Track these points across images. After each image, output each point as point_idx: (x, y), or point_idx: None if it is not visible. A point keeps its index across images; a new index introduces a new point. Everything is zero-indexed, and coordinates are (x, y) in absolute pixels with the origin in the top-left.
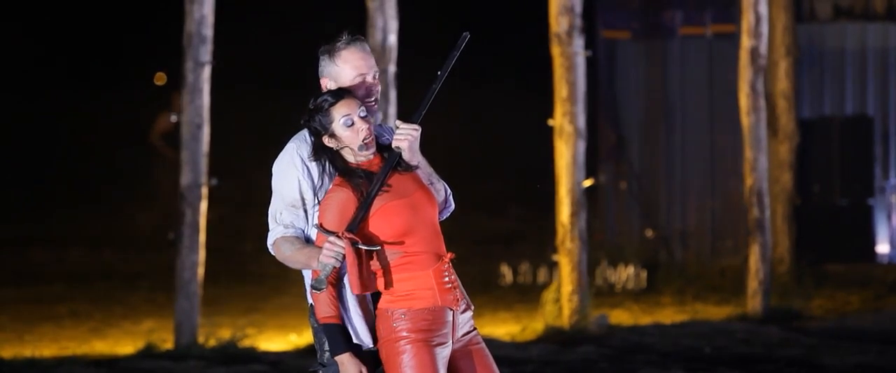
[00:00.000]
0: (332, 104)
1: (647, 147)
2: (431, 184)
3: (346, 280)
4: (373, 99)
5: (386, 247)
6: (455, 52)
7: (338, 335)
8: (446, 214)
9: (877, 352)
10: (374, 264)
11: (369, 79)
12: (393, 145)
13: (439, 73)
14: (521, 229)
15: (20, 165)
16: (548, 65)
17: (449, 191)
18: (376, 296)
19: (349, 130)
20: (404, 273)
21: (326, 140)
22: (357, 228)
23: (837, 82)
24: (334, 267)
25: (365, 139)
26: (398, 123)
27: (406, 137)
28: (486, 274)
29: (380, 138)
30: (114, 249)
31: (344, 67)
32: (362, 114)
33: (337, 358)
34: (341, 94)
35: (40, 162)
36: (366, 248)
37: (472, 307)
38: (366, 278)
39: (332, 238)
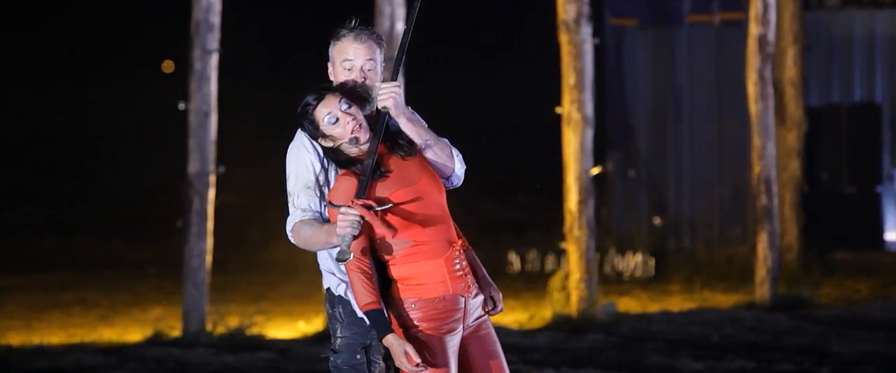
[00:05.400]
0: (314, 107)
1: (654, 135)
2: (429, 145)
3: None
4: (363, 91)
5: (396, 237)
6: (417, 3)
7: (381, 319)
8: (461, 171)
9: (885, 339)
10: (389, 243)
11: (356, 69)
12: (379, 107)
13: (405, 26)
14: (529, 217)
15: (28, 153)
16: (556, 52)
17: (455, 150)
18: (387, 284)
19: (336, 127)
20: (415, 263)
21: (322, 140)
22: (364, 194)
23: (845, 70)
24: (353, 236)
25: (352, 132)
26: (378, 83)
27: (389, 95)
28: (494, 262)
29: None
30: (122, 236)
31: (338, 54)
32: (344, 107)
33: (384, 340)
34: (321, 93)
35: (48, 150)
36: (379, 208)
37: (499, 292)
38: (391, 230)
39: (343, 209)
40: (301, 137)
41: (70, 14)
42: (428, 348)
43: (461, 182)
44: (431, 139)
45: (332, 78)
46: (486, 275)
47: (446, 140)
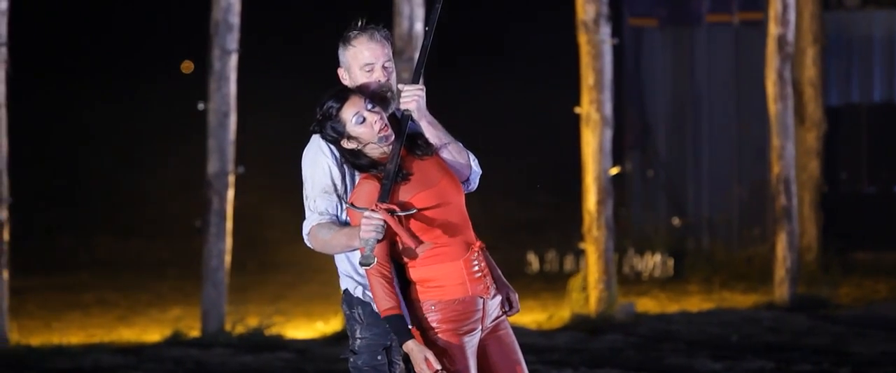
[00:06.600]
0: (339, 109)
1: (673, 135)
2: (446, 146)
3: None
4: (386, 91)
5: (417, 239)
6: (438, 4)
7: (401, 325)
8: (475, 178)
9: None
10: (413, 239)
11: (378, 69)
12: (401, 109)
13: (426, 28)
14: (547, 217)
15: (48, 153)
16: (575, 52)
17: (470, 154)
18: (406, 285)
19: (363, 127)
20: (435, 265)
21: (346, 143)
22: (388, 197)
23: (865, 69)
24: (377, 240)
25: (380, 130)
26: (401, 86)
27: (413, 98)
28: (513, 262)
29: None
30: (141, 237)
31: (354, 58)
32: (369, 106)
33: (404, 346)
34: (344, 95)
35: (67, 150)
36: (403, 214)
37: (515, 293)
38: (414, 239)
39: (367, 213)
40: (318, 141)
41: (88, 14)
42: (447, 351)
43: (476, 186)
44: (449, 141)
45: (345, 83)
46: (502, 276)
47: (461, 144)
